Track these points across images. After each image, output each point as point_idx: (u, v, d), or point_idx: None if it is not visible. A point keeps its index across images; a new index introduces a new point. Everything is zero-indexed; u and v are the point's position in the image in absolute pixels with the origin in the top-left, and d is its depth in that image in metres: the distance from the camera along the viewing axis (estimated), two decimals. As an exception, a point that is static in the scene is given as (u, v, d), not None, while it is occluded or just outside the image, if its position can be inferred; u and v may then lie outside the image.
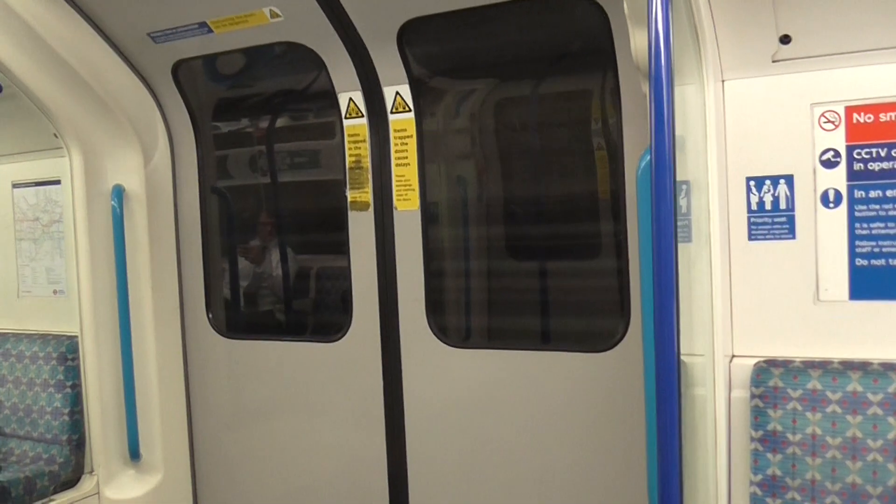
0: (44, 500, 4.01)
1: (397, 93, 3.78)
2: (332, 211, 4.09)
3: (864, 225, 2.76)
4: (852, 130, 2.75)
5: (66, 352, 4.25)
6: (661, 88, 1.93)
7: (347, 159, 3.95)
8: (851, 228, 2.78)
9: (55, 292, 4.55)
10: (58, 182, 4.42)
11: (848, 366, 2.71)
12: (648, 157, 1.98)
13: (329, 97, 3.94)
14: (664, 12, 1.95)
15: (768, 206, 2.86)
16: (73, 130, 4.03)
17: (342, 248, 4.03)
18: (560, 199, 4.00)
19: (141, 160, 4.19)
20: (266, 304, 5.00)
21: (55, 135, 4.08)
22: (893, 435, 2.59)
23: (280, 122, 4.53)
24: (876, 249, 2.75)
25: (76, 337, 4.24)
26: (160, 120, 4.31)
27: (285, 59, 4.11)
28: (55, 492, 4.08)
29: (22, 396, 4.33)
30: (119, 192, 4.14)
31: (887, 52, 2.66)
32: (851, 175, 2.77)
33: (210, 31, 3.87)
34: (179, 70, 4.17)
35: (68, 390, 4.21)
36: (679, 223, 2.01)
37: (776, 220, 2.86)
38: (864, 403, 2.64)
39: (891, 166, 2.70)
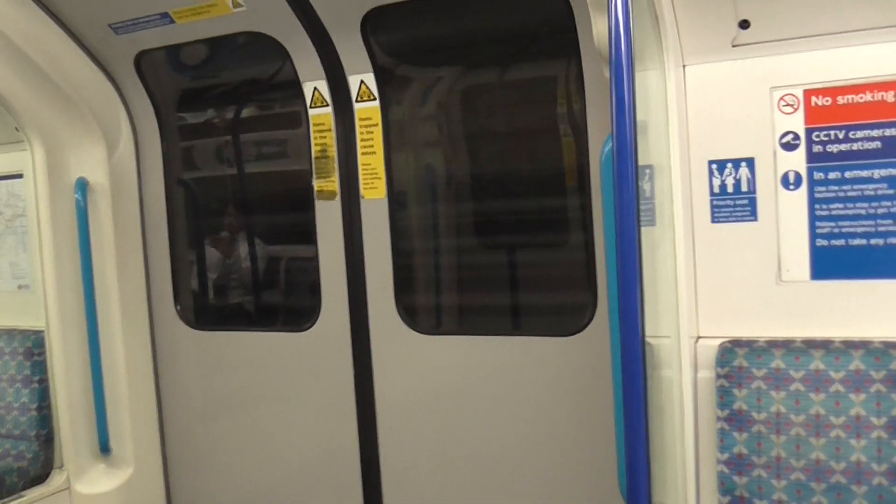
0: (13, 497, 3.97)
1: (362, 81, 3.77)
2: (298, 201, 4.08)
3: (824, 206, 2.81)
4: (811, 113, 2.80)
5: (33, 347, 4.21)
6: (621, 74, 1.94)
7: (313, 149, 3.94)
8: (812, 210, 2.82)
9: (20, 287, 4.50)
10: (20, 176, 4.36)
11: (810, 344, 2.76)
12: (611, 143, 2.00)
13: (294, 87, 3.92)
14: (624, -1, 1.97)
15: (730, 189, 2.90)
16: (34, 123, 3.97)
17: (310, 237, 4.02)
18: (527, 187, 4.01)
19: (104, 153, 4.15)
20: (234, 295, 4.97)
21: (16, 128, 4.02)
22: (855, 411, 2.65)
23: (245, 113, 4.49)
24: (836, 230, 2.80)
25: (42, 332, 4.19)
26: (123, 112, 4.26)
27: (249, 49, 4.08)
28: (24, 488, 4.04)
29: (-12, 393, 4.29)
30: (83, 186, 4.09)
31: (844, 36, 2.71)
32: (811, 157, 2.81)
33: (172, 21, 3.83)
34: (142, 61, 4.13)
35: (35, 385, 4.17)
36: (643, 207, 2.03)
37: (738, 202, 2.90)
38: (827, 381, 2.69)
39: (849, 148, 2.75)
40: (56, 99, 3.96)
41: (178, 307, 4.41)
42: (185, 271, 4.53)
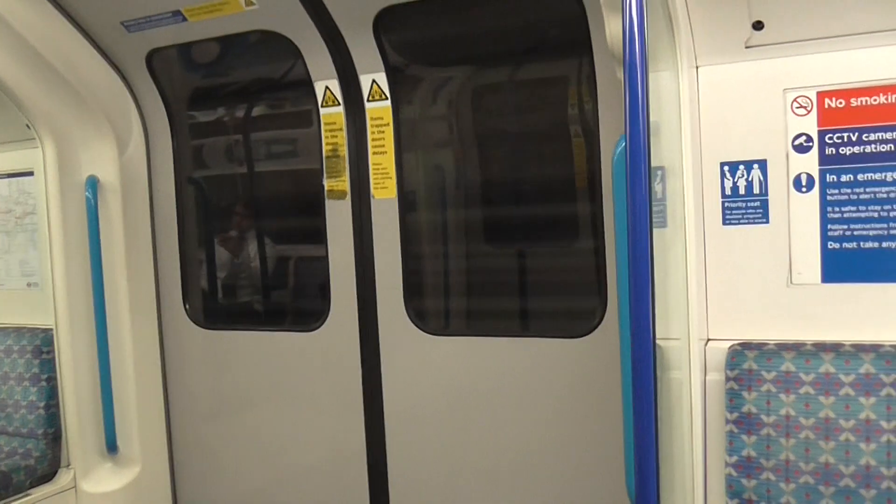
0: (20, 495, 3.98)
1: (374, 81, 3.77)
2: (309, 200, 4.08)
3: (836, 209, 2.79)
4: (824, 115, 2.78)
5: (41, 345, 4.22)
6: (635, 75, 1.94)
7: (324, 148, 3.94)
8: (823, 212, 2.81)
9: (29, 285, 4.51)
10: (31, 173, 4.37)
11: (820, 347, 2.75)
12: (623, 144, 1.99)
13: (305, 86, 3.92)
14: (638, -1, 1.96)
15: (742, 191, 2.89)
16: (45, 121, 3.98)
17: (320, 237, 4.02)
18: (538, 187, 4.01)
19: (115, 150, 4.16)
20: (243, 295, 4.98)
21: (28, 125, 4.03)
22: (865, 415, 2.63)
23: (256, 111, 4.50)
24: (847, 233, 2.79)
25: (51, 330, 4.20)
26: (134, 110, 4.27)
27: (261, 47, 4.09)
28: (31, 486, 4.05)
29: (-4, 391, 4.29)
30: (93, 183, 4.10)
31: (858, 38, 2.70)
32: (823, 159, 2.80)
33: (184, 19, 3.84)
34: (154, 59, 4.14)
35: (44, 384, 4.18)
36: (654, 208, 2.03)
37: (750, 204, 2.89)
38: (837, 384, 2.67)
39: (861, 150, 2.74)
40: (67, 96, 3.98)
41: (187, 306, 4.42)
42: (194, 270, 4.53)
